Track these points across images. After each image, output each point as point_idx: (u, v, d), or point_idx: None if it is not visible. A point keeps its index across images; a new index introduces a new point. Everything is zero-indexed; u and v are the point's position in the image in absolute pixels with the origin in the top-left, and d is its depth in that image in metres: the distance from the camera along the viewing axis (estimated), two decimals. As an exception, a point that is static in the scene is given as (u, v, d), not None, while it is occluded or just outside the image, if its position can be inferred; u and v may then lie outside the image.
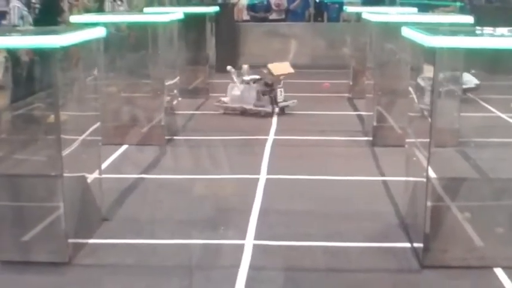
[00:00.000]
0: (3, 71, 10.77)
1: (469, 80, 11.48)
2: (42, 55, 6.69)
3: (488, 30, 6.40)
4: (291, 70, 12.39)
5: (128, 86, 10.66)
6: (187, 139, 10.27)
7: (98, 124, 6.76)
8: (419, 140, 6.17)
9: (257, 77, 11.96)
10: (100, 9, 14.52)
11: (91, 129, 6.60)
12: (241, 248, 6.14)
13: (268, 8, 19.15)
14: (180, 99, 11.15)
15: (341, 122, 11.40)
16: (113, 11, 14.72)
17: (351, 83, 13.51)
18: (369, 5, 15.61)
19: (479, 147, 8.55)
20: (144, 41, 10.43)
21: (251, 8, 19.45)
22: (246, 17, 19.53)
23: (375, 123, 9.81)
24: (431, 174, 5.71)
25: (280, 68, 12.25)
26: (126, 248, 6.24)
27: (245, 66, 12.12)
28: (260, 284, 5.57)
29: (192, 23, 13.10)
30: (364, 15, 11.02)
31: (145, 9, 13.42)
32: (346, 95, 13.42)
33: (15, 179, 6.36)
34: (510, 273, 5.59)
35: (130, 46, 11.08)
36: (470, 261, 5.74)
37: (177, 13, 11.15)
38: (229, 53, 16.53)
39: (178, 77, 11.08)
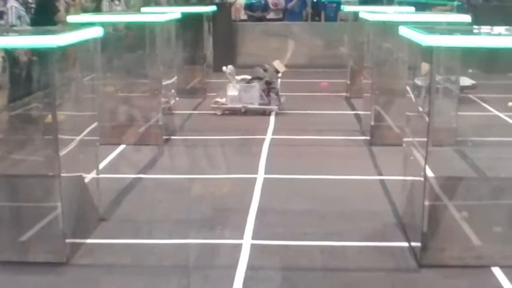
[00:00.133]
0: (0, 71, 10.76)
1: (465, 81, 11.49)
2: (39, 55, 6.70)
3: (485, 29, 6.40)
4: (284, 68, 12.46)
5: (125, 86, 10.65)
6: (185, 139, 10.27)
7: (96, 124, 6.75)
8: (416, 139, 6.17)
9: (248, 76, 11.93)
10: (97, 9, 14.50)
11: (88, 129, 6.60)
12: (239, 247, 6.14)
13: (265, 8, 19.14)
14: (177, 98, 11.15)
15: (338, 121, 11.40)
16: (110, 10, 14.69)
17: (348, 83, 13.51)
18: (367, 4, 15.61)
19: (477, 146, 8.56)
20: (141, 41, 10.42)
21: (248, 7, 19.44)
22: (243, 16, 19.53)
23: (372, 123, 9.81)
24: (429, 173, 5.72)
25: (280, 65, 12.30)
26: (123, 248, 6.24)
27: (230, 67, 12.10)
28: (258, 283, 5.57)
29: (190, 23, 13.10)
30: (362, 15, 11.02)
31: (143, 9, 13.41)
32: (344, 94, 13.43)
33: (13, 179, 6.35)
34: (508, 272, 5.60)
35: (127, 46, 11.07)
36: (467, 261, 5.75)
37: (175, 13, 11.15)
38: (227, 53, 16.52)
39: (175, 77, 11.08)
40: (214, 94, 12.55)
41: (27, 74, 10.85)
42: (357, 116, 11.53)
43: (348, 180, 8.17)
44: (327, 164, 8.81)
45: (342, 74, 14.07)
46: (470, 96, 11.55)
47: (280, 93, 12.15)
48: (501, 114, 10.64)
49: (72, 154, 6.06)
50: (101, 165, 7.68)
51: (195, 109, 12.33)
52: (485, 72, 12.02)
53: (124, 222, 6.83)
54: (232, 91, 11.76)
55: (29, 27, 11.24)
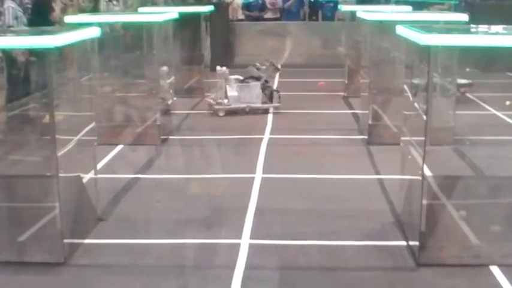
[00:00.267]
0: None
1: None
2: (37, 55, 6.70)
3: (483, 28, 6.40)
4: None
5: (122, 86, 10.65)
6: (183, 139, 10.27)
7: (93, 124, 6.75)
8: (414, 138, 6.17)
9: (240, 77, 11.92)
10: (95, 9, 14.49)
11: (86, 129, 6.60)
12: (237, 247, 6.14)
13: (262, 7, 19.14)
14: (175, 98, 11.14)
15: (336, 120, 11.40)
16: (108, 10, 14.68)
17: (346, 82, 13.51)
18: (364, 3, 15.63)
19: (474, 145, 8.57)
20: (139, 41, 10.42)
21: (246, 7, 19.43)
22: (240, 16, 19.52)
23: (370, 122, 9.82)
24: (427, 172, 5.72)
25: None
26: (121, 248, 6.24)
27: (223, 68, 12.11)
28: (256, 283, 5.57)
29: (187, 23, 13.10)
30: (359, 14, 11.02)
31: (140, 9, 13.41)
32: (342, 93, 13.42)
33: (11, 180, 6.35)
34: (506, 271, 5.60)
35: (125, 46, 11.07)
36: (466, 259, 5.75)
37: (172, 13, 11.15)
38: (225, 53, 16.53)
39: (173, 77, 11.08)
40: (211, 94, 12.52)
41: (24, 74, 10.84)
42: (355, 115, 11.53)
43: (345, 179, 8.17)
44: (325, 163, 8.81)
45: (339, 73, 14.06)
46: (468, 95, 11.57)
47: (275, 90, 12.18)
48: (499, 113, 10.65)
49: (70, 154, 6.06)
50: (99, 165, 7.68)
51: (192, 109, 12.32)
52: (482, 71, 12.05)
53: (122, 222, 6.82)
54: (232, 91, 11.74)
55: (26, 28, 11.23)
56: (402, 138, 6.76)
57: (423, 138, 5.68)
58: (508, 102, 10.47)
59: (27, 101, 10.00)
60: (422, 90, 5.91)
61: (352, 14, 12.68)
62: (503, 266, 5.68)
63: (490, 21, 6.76)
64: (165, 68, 10.71)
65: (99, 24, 7.52)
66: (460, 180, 6.20)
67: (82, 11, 13.45)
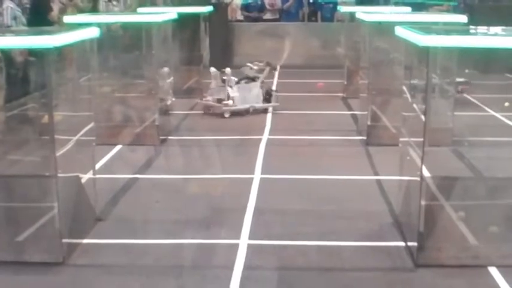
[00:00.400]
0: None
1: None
2: (36, 55, 6.69)
3: (481, 29, 6.41)
4: None
5: (121, 86, 10.65)
6: (182, 139, 10.27)
7: (92, 124, 6.75)
8: (413, 139, 6.18)
9: (234, 78, 11.89)
10: (94, 10, 14.50)
11: (85, 129, 6.60)
12: (235, 247, 6.14)
13: (262, 8, 19.15)
14: (174, 99, 11.14)
15: (335, 121, 11.40)
16: (107, 11, 14.68)
17: (345, 83, 13.51)
18: (363, 4, 15.64)
19: (473, 146, 8.57)
20: (138, 41, 10.42)
21: (245, 7, 19.45)
22: (239, 16, 19.53)
23: (369, 123, 9.82)
24: (425, 173, 5.72)
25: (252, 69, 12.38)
26: (120, 248, 6.23)
27: (213, 69, 12.12)
28: (254, 283, 5.57)
29: (186, 23, 13.12)
30: (358, 15, 11.02)
31: (139, 10, 13.41)
32: (340, 94, 13.42)
33: (10, 180, 6.35)
34: (504, 272, 5.61)
35: (124, 46, 11.07)
36: (464, 260, 5.75)
37: (171, 13, 11.15)
38: (224, 53, 16.53)
39: (172, 77, 11.07)
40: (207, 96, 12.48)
41: (23, 74, 10.84)
42: (354, 116, 11.53)
43: (344, 180, 8.17)
44: (324, 164, 8.81)
45: (338, 74, 14.06)
46: (467, 96, 11.56)
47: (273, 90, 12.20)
48: (497, 114, 10.66)
49: (69, 154, 6.06)
50: (98, 166, 7.68)
51: (191, 109, 12.31)
52: (481, 73, 12.05)
53: (121, 222, 6.82)
54: (234, 92, 11.71)
55: (25, 28, 11.23)
56: (401, 139, 6.77)
57: (422, 139, 5.68)
58: (507, 104, 10.47)
59: (26, 101, 10.00)
60: (421, 92, 5.91)
61: (352, 15, 12.69)
62: (501, 267, 5.68)
63: (489, 23, 6.76)
64: (165, 69, 10.73)
65: (99, 25, 7.52)
66: (459, 181, 6.21)
67: (81, 11, 13.45)
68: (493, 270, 5.65)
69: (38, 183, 6.01)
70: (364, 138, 9.89)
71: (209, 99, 11.91)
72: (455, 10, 15.89)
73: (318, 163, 8.84)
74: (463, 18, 9.64)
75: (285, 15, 19.24)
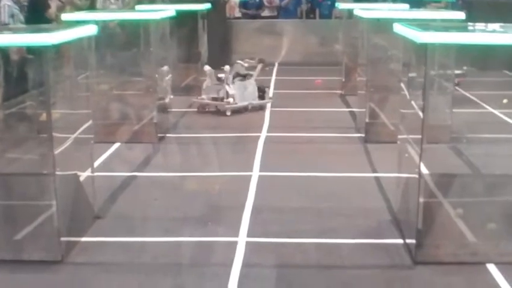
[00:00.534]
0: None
1: None
2: (33, 53, 6.68)
3: (480, 26, 6.41)
4: None
5: (120, 84, 10.64)
6: (180, 137, 10.27)
7: (90, 122, 6.74)
8: (411, 136, 6.18)
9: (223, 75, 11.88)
10: (92, 7, 14.48)
11: (83, 127, 6.59)
12: (234, 245, 6.14)
13: (260, 5, 19.14)
14: (172, 96, 11.13)
15: (333, 118, 11.40)
16: (105, 8, 14.65)
17: (343, 80, 13.51)
18: (361, 1, 15.62)
19: (471, 143, 8.57)
20: (136, 39, 10.41)
21: (243, 5, 19.44)
22: (237, 14, 19.53)
23: (367, 120, 9.82)
24: (424, 170, 5.72)
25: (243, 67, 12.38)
26: (118, 246, 6.23)
27: (207, 67, 12.10)
28: (253, 281, 5.57)
29: (184, 21, 13.10)
30: (356, 12, 11.01)
31: (138, 7, 13.38)
32: (339, 91, 13.42)
33: (8, 178, 6.34)
34: (502, 269, 5.61)
35: (122, 44, 11.06)
36: (462, 257, 5.76)
37: (169, 10, 11.14)
38: (222, 50, 16.52)
39: (170, 75, 11.07)
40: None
41: (19, 72, 10.83)
42: (352, 113, 11.53)
43: (342, 177, 8.17)
44: (322, 161, 8.82)
45: (336, 71, 14.07)
46: (462, 91, 11.55)
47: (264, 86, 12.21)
48: (496, 111, 10.65)
49: (67, 152, 6.05)
50: (96, 163, 7.67)
51: (189, 107, 12.30)
52: (479, 69, 12.04)
53: (119, 220, 6.82)
54: (232, 90, 11.69)
55: (22, 26, 11.22)
56: (399, 136, 6.77)
57: (420, 136, 5.68)
58: (505, 100, 10.47)
59: (23, 99, 9.98)
60: (419, 89, 5.90)
61: (350, 12, 12.67)
62: (499, 264, 5.69)
63: (487, 19, 6.76)
64: (165, 68, 10.73)
65: (96, 22, 7.51)
66: (457, 178, 6.21)
67: (79, 8, 13.43)
68: (492, 268, 5.65)
69: (36, 181, 6.01)
70: (363, 135, 9.89)
71: (204, 98, 11.88)
72: (453, 7, 15.87)
73: (316, 160, 8.84)
74: (461, 15, 9.65)
75: (283, 12, 19.23)
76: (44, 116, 5.80)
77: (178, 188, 7.79)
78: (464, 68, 11.64)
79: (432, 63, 5.99)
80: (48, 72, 5.70)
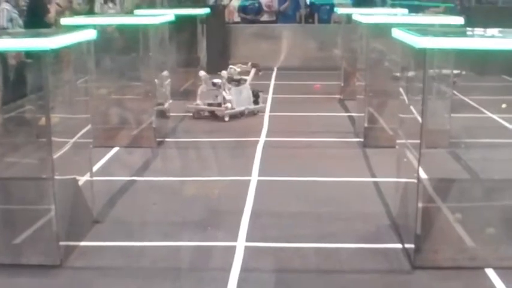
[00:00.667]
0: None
1: None
2: (33, 57, 6.68)
3: (478, 31, 6.42)
4: None
5: (118, 88, 10.65)
6: (179, 141, 10.27)
7: (89, 126, 6.75)
8: (410, 141, 6.18)
9: (218, 80, 11.81)
10: (90, 12, 14.50)
11: (82, 131, 6.59)
12: (232, 249, 6.14)
13: (259, 10, 19.15)
14: (171, 101, 11.14)
15: (332, 123, 11.40)
16: (103, 13, 14.67)
17: (342, 85, 13.52)
18: (360, 6, 15.65)
19: (470, 148, 8.57)
20: (135, 44, 10.41)
21: (242, 9, 19.45)
22: (237, 18, 19.54)
23: (366, 125, 9.82)
24: (422, 175, 5.72)
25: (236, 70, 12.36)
26: (117, 250, 6.23)
27: (202, 72, 12.09)
28: (252, 285, 5.57)
29: (183, 25, 13.10)
30: (355, 17, 11.03)
31: (136, 12, 13.39)
32: (337, 96, 13.43)
33: (6, 182, 6.34)
34: (501, 274, 5.61)
35: (121, 48, 11.06)
36: (461, 262, 5.76)
37: (168, 15, 11.15)
38: (221, 55, 16.53)
39: (169, 79, 11.07)
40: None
41: (17, 76, 10.83)
42: (351, 118, 11.54)
43: (341, 182, 8.17)
44: (321, 166, 8.82)
45: (335, 76, 14.07)
46: (465, 99, 11.56)
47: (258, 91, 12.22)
48: (494, 116, 10.65)
49: (66, 156, 6.05)
50: (95, 168, 7.68)
51: (188, 111, 12.29)
52: (478, 74, 12.04)
53: (118, 225, 6.82)
54: (228, 95, 11.67)
55: (21, 30, 11.22)
56: (398, 141, 6.77)
57: (419, 141, 5.68)
58: (504, 105, 10.47)
59: (22, 103, 9.99)
60: (418, 93, 5.91)
61: (348, 17, 12.69)
62: (498, 268, 5.69)
63: (486, 25, 6.77)
64: (165, 73, 10.73)
65: (95, 27, 7.51)
66: (456, 183, 6.20)
67: (77, 13, 13.44)
68: (490, 272, 5.65)
69: (35, 185, 6.00)
70: (361, 140, 9.90)
71: (199, 104, 11.85)
72: (452, 12, 15.90)
73: (315, 165, 8.85)
74: (459, 20, 9.66)
75: (282, 17, 19.25)
76: (43, 121, 5.80)
77: (177, 193, 7.79)
78: (463, 72, 11.65)
79: (431, 69, 6.00)
80: (47, 77, 5.70)
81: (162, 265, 5.90)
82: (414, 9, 15.39)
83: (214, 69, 12.65)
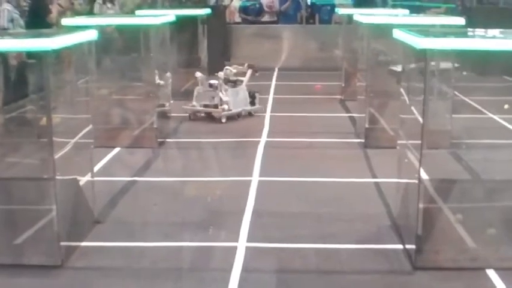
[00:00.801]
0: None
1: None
2: (34, 58, 6.68)
3: (479, 31, 6.42)
4: None
5: (120, 89, 10.65)
6: (180, 141, 10.27)
7: (90, 127, 6.75)
8: (411, 141, 6.18)
9: (215, 81, 11.78)
10: (91, 13, 14.51)
11: (83, 131, 6.59)
12: (233, 250, 6.13)
13: (260, 11, 19.13)
14: (172, 101, 11.14)
15: (333, 124, 11.40)
16: (101, 13, 14.67)
17: (342, 85, 13.52)
18: (361, 6, 15.65)
19: (471, 149, 8.57)
20: (136, 44, 10.42)
21: (243, 10, 19.44)
22: (238, 19, 19.54)
23: (367, 125, 9.82)
24: (423, 175, 5.72)
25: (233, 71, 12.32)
26: (118, 250, 6.24)
27: (198, 73, 12.05)
28: (252, 286, 5.57)
29: (184, 26, 13.11)
30: (356, 17, 11.03)
31: (138, 12, 13.39)
32: (338, 97, 13.43)
33: (8, 182, 6.34)
34: (502, 275, 5.61)
35: (122, 49, 11.07)
36: (462, 263, 5.75)
37: (169, 16, 11.15)
38: (222, 56, 16.53)
39: (170, 80, 11.07)
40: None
41: (18, 77, 10.84)
42: (352, 119, 11.54)
43: (342, 182, 8.17)
44: (322, 166, 8.82)
45: (336, 76, 14.07)
46: (466, 99, 11.56)
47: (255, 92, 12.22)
48: (495, 117, 10.65)
49: (67, 157, 6.06)
50: (96, 168, 7.67)
51: (186, 112, 12.28)
52: (479, 75, 12.04)
53: (119, 225, 6.82)
54: (225, 97, 11.63)
55: (22, 30, 11.23)
56: (399, 142, 6.77)
57: (420, 142, 5.68)
58: (506, 106, 10.47)
59: (24, 103, 9.99)
60: (419, 94, 5.91)
61: (349, 17, 12.69)
62: (499, 269, 5.68)
63: (487, 25, 6.77)
64: (168, 74, 10.72)
65: (96, 27, 7.51)
66: (457, 183, 6.20)
67: (79, 14, 13.45)
68: (491, 273, 5.65)
69: (36, 185, 6.00)
70: (362, 140, 9.90)
71: (195, 105, 11.82)
72: (453, 12, 15.90)
73: (316, 165, 8.85)
74: (460, 21, 9.66)
75: (283, 17, 19.23)
76: (44, 121, 5.80)
77: (178, 193, 7.79)
78: (464, 73, 11.64)
79: (431, 69, 6.00)
80: (49, 77, 5.70)
81: (163, 265, 5.91)
82: (415, 9, 15.39)
83: (215, 69, 12.63)
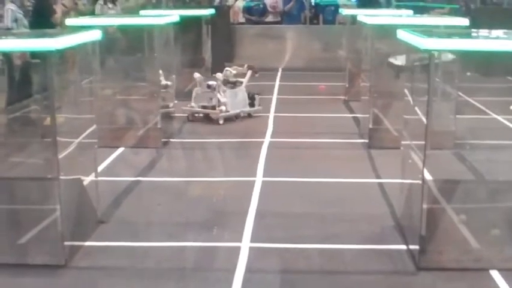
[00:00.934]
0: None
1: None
2: (38, 58, 6.70)
3: (483, 32, 6.41)
4: None
5: (124, 89, 10.66)
6: (184, 142, 10.28)
7: (94, 127, 6.76)
8: (414, 142, 6.18)
9: (213, 82, 11.75)
10: (93, 13, 14.53)
11: (87, 131, 6.60)
12: (237, 250, 6.14)
13: (263, 11, 19.12)
14: (176, 101, 11.14)
15: (337, 124, 11.39)
16: (103, 13, 14.67)
17: (346, 86, 13.50)
18: (365, 7, 15.64)
19: (475, 149, 8.57)
20: (140, 44, 10.42)
21: (247, 10, 19.43)
22: (242, 19, 19.53)
23: (370, 126, 9.82)
24: (427, 176, 5.72)
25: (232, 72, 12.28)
26: (122, 250, 6.24)
27: (197, 74, 12.02)
28: (256, 286, 5.58)
29: (188, 26, 13.11)
30: (360, 18, 11.02)
31: (142, 12, 13.40)
32: (342, 97, 13.42)
33: (11, 182, 6.35)
34: (506, 275, 5.61)
35: (126, 49, 11.08)
36: (466, 263, 5.75)
37: (173, 16, 11.15)
38: (225, 56, 16.53)
39: (174, 80, 11.07)
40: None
41: (22, 77, 10.86)
42: (355, 119, 11.53)
43: (346, 183, 8.17)
44: (326, 166, 8.82)
45: (340, 77, 14.06)
46: (470, 100, 11.56)
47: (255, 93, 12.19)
48: (499, 117, 10.65)
49: (71, 157, 6.07)
50: (100, 168, 7.68)
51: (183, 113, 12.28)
52: (483, 76, 12.05)
53: (123, 225, 6.83)
54: (223, 98, 11.59)
55: (26, 30, 11.25)
56: (403, 142, 6.77)
57: (424, 142, 5.68)
58: (512, 107, 10.46)
59: (28, 103, 10.01)
60: (423, 95, 5.91)
61: (353, 18, 12.68)
62: (503, 270, 5.68)
63: (491, 26, 6.76)
64: (173, 76, 10.72)
65: (100, 28, 7.52)
66: (461, 184, 6.20)
67: (82, 14, 13.47)
68: (495, 274, 5.65)
69: (40, 185, 6.01)
70: (366, 141, 9.89)
71: (193, 106, 11.79)
72: (457, 13, 15.88)
73: (320, 166, 8.85)
74: (464, 22, 9.65)
75: (287, 17, 19.22)
76: (48, 121, 5.81)
77: (182, 193, 7.79)
78: (468, 73, 11.64)
79: (436, 70, 6.00)
80: (53, 77, 5.71)
81: (166, 265, 5.91)
82: (419, 10, 15.38)
83: (219, 70, 12.60)
